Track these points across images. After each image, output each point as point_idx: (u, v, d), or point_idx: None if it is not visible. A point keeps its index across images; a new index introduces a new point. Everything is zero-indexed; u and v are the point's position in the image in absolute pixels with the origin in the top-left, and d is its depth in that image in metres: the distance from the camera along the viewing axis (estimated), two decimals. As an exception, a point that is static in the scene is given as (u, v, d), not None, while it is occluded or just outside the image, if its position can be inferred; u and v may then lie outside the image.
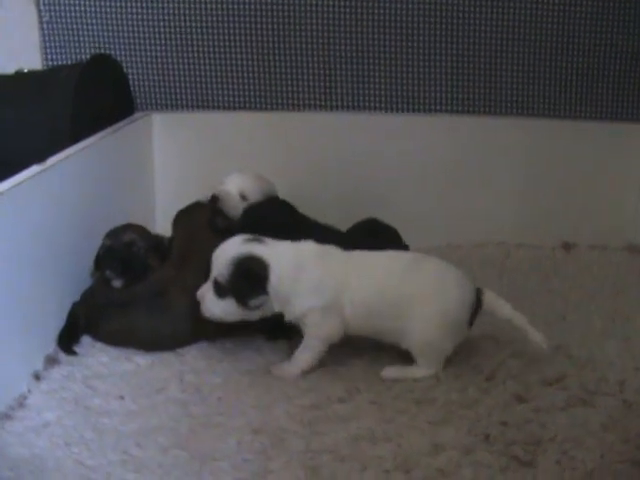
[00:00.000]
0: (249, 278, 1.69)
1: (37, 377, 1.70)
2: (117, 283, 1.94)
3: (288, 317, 1.73)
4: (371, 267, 1.76)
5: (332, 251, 1.77)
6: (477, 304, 1.75)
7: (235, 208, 2.13)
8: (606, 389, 1.65)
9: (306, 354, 1.74)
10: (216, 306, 1.71)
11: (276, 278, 1.68)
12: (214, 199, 2.13)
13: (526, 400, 1.61)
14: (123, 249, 1.96)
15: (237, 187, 2.17)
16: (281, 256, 1.71)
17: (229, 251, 1.71)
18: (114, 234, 2.00)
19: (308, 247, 1.76)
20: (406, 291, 1.72)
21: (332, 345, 1.75)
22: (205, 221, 2.10)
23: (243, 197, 2.15)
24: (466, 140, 2.50)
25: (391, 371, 1.73)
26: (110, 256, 1.95)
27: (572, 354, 1.80)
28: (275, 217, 2.04)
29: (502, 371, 1.71)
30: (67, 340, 1.82)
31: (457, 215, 2.50)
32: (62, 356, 1.78)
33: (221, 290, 1.70)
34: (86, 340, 1.85)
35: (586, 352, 1.81)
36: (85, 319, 1.86)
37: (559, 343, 1.84)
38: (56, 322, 1.83)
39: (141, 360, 1.78)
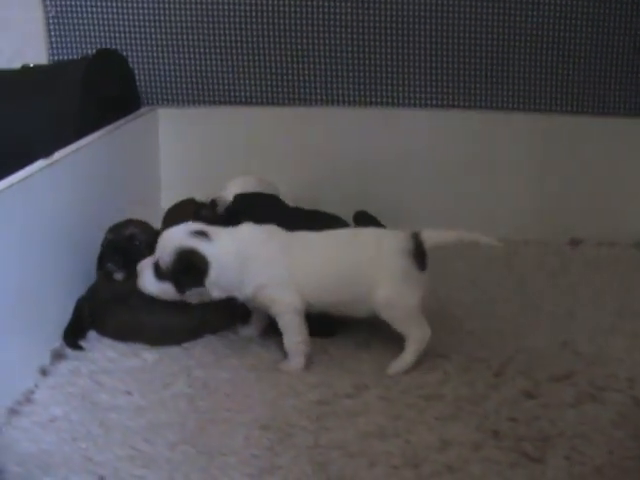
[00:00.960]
0: (189, 271, 1.73)
1: (44, 372, 1.69)
2: (118, 276, 1.94)
3: (242, 299, 1.78)
4: (314, 243, 1.81)
5: (274, 230, 1.82)
6: (419, 247, 1.76)
7: None
8: (615, 385, 1.64)
9: (291, 335, 1.75)
10: (153, 285, 1.78)
11: (216, 273, 1.72)
12: (213, 204, 2.14)
13: (535, 396, 1.60)
14: (124, 242, 1.96)
15: (236, 191, 2.17)
16: (223, 250, 1.75)
17: (174, 240, 1.75)
18: (116, 229, 2.00)
19: (249, 230, 1.81)
20: (350, 261, 1.76)
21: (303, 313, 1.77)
22: (187, 213, 2.07)
23: None
24: (473, 135, 2.50)
25: (395, 366, 1.73)
26: (111, 249, 1.95)
27: (581, 350, 1.80)
28: (263, 206, 2.04)
29: (510, 367, 1.71)
30: (72, 336, 1.82)
31: (463, 211, 2.49)
32: (69, 351, 1.78)
33: (161, 274, 1.76)
34: (93, 335, 1.85)
35: (595, 348, 1.81)
36: (91, 314, 1.86)
37: (567, 339, 1.84)
38: (63, 317, 1.83)
39: (148, 355, 1.77)
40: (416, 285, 1.75)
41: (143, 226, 2.04)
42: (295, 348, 1.75)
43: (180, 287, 1.75)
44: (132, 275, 1.90)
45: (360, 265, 1.76)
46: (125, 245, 1.96)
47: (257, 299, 1.77)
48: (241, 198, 2.13)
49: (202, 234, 1.76)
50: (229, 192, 2.18)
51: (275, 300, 1.75)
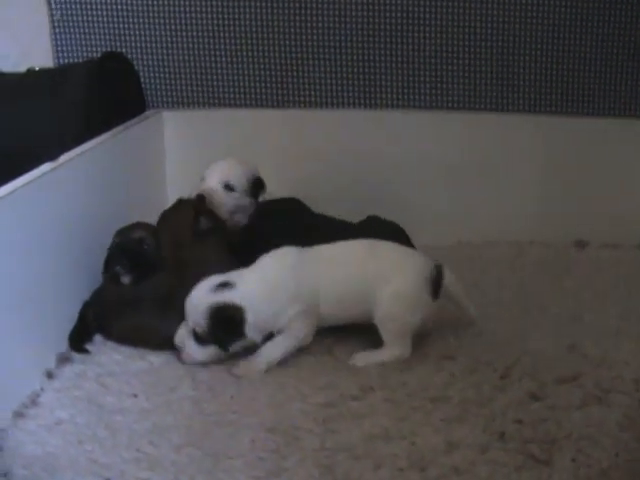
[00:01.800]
0: (228, 327, 1.72)
1: (50, 375, 1.70)
2: (126, 279, 1.94)
3: (277, 332, 1.76)
4: (333, 259, 1.81)
5: (291, 255, 1.80)
6: (438, 277, 1.80)
7: (223, 204, 2.12)
8: (621, 387, 1.63)
9: (277, 350, 1.75)
10: (199, 353, 1.74)
11: (252, 317, 1.71)
12: (200, 199, 2.10)
13: (541, 398, 1.59)
14: (132, 246, 1.96)
15: (219, 180, 2.13)
16: (251, 291, 1.73)
17: (202, 301, 1.72)
18: (123, 232, 2.00)
19: (270, 263, 1.79)
20: (368, 274, 1.78)
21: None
22: (186, 222, 2.05)
23: (228, 188, 2.13)
24: (477, 138, 2.49)
25: (361, 358, 1.77)
26: (119, 253, 1.95)
27: (586, 353, 1.79)
28: (288, 217, 2.03)
29: (516, 369, 1.70)
30: (78, 340, 1.82)
31: (469, 213, 2.49)
32: (74, 354, 1.78)
33: (201, 339, 1.73)
34: (98, 338, 1.85)
35: (601, 351, 1.80)
36: (96, 319, 1.86)
37: (573, 341, 1.83)
38: (69, 320, 1.83)
39: (154, 358, 1.77)
40: (423, 309, 1.79)
41: (151, 229, 2.04)
42: (271, 359, 1.75)
43: (224, 345, 1.72)
44: (139, 279, 1.91)
45: (379, 277, 1.78)
46: (133, 248, 1.96)
47: (290, 326, 1.76)
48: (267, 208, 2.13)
49: (225, 285, 1.73)
50: (210, 180, 2.13)
51: (299, 328, 1.76)
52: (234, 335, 1.72)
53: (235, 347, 1.74)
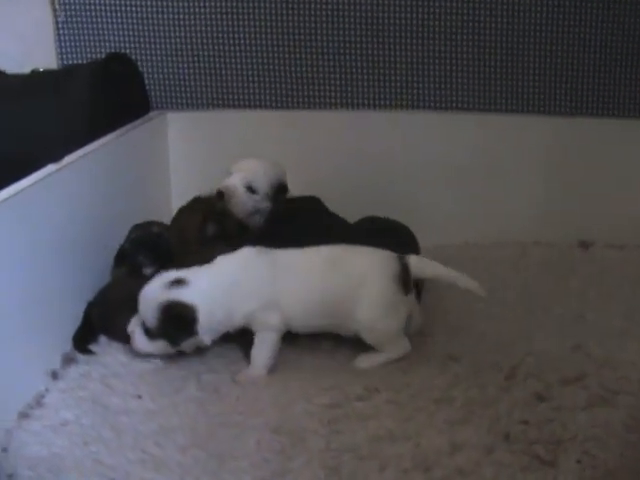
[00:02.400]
0: (178, 324, 1.70)
1: (54, 376, 1.70)
2: (148, 270, 1.93)
3: (233, 329, 1.76)
4: (299, 264, 1.79)
5: (249, 256, 1.78)
6: (405, 272, 1.76)
7: (243, 204, 2.07)
8: (627, 388, 1.62)
9: (263, 350, 1.75)
10: (146, 345, 1.74)
11: (205, 317, 1.69)
12: (219, 195, 2.06)
13: (546, 399, 1.59)
14: (154, 238, 1.97)
15: (243, 180, 2.08)
16: (204, 290, 1.71)
17: (153, 297, 1.70)
18: (141, 227, 2.03)
19: (225, 261, 1.77)
20: (333, 285, 1.76)
21: (293, 335, 1.79)
22: (193, 226, 2.06)
23: (250, 189, 2.08)
24: (482, 138, 2.49)
25: (364, 360, 1.77)
26: (142, 244, 1.96)
27: (591, 353, 1.78)
28: (308, 216, 2.02)
29: (521, 370, 1.69)
30: (82, 341, 1.82)
31: (474, 213, 2.49)
32: (79, 355, 1.79)
33: (151, 334, 1.72)
34: (103, 339, 1.85)
35: (606, 351, 1.79)
36: (100, 319, 1.86)
37: (578, 342, 1.83)
38: (73, 321, 1.83)
39: (159, 359, 1.77)
40: (400, 309, 1.77)
41: (164, 227, 2.07)
42: (262, 361, 1.74)
43: (173, 342, 1.72)
44: (159, 271, 1.91)
45: (344, 289, 1.76)
46: (155, 240, 1.96)
47: (247, 324, 1.76)
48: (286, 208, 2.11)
49: (179, 282, 1.71)
50: (234, 178, 2.08)
51: (263, 322, 1.75)
52: (185, 333, 1.70)
53: (186, 345, 1.73)
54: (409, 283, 1.78)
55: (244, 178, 2.08)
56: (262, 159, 2.14)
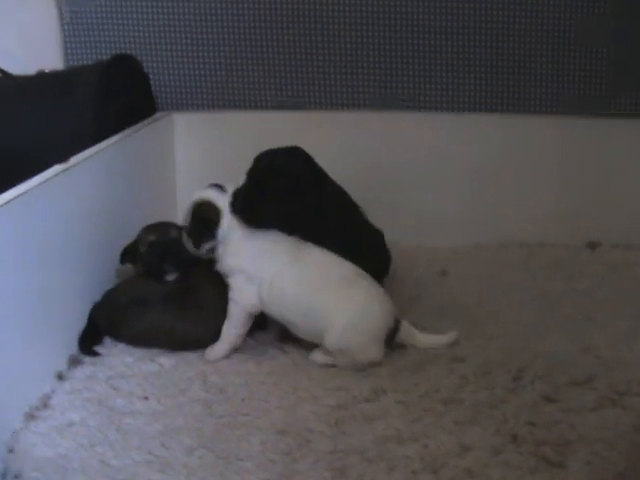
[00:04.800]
0: (202, 223, 1.81)
1: (61, 377, 1.70)
2: (171, 277, 1.93)
3: (219, 267, 1.83)
4: (304, 267, 1.80)
5: (283, 239, 1.82)
6: (393, 330, 1.77)
7: None
8: (636, 390, 1.61)
9: (230, 327, 1.80)
10: (188, 243, 1.85)
11: (227, 225, 1.79)
12: None
13: (555, 400, 1.58)
14: (175, 243, 1.94)
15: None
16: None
17: (194, 195, 1.85)
18: (158, 230, 1.99)
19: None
20: (321, 304, 1.76)
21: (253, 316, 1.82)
22: None
23: None
24: (491, 140, 2.48)
25: (319, 356, 1.78)
26: (164, 250, 1.94)
27: (600, 354, 1.77)
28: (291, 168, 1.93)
29: (529, 371, 1.68)
30: (88, 343, 1.82)
31: (482, 215, 2.48)
32: (85, 356, 1.78)
33: (186, 230, 1.85)
34: (109, 340, 1.85)
35: (614, 352, 1.78)
36: (106, 321, 1.85)
37: (587, 343, 1.82)
38: (80, 322, 1.83)
39: (165, 360, 1.77)
40: (371, 350, 1.75)
41: (179, 228, 2.04)
42: (229, 336, 1.79)
43: (196, 241, 1.81)
44: (181, 276, 1.92)
45: (325, 308, 1.75)
46: (176, 246, 1.94)
47: (229, 279, 1.81)
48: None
49: (218, 187, 1.83)
50: None
51: (239, 289, 1.79)
52: (206, 234, 1.80)
53: (205, 250, 1.82)
54: (392, 340, 1.77)
55: None
56: None
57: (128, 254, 1.98)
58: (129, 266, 2.00)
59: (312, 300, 1.76)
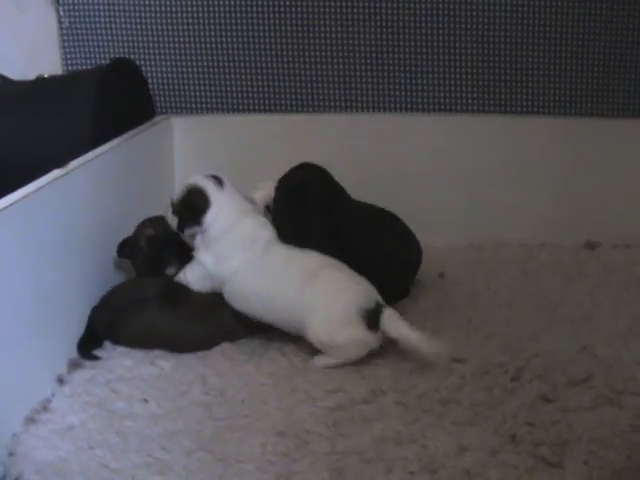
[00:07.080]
0: (189, 207, 1.86)
1: (60, 381, 1.70)
2: (172, 270, 1.95)
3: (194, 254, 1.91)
4: (266, 265, 1.84)
5: (266, 235, 1.89)
6: (375, 312, 1.75)
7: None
8: (633, 389, 1.62)
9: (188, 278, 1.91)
10: (172, 220, 1.91)
11: (213, 217, 1.84)
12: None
13: (552, 400, 1.58)
14: (175, 237, 1.96)
15: (264, 200, 2.08)
16: (227, 201, 1.88)
17: (192, 178, 1.90)
18: (155, 223, 2.01)
19: (253, 216, 1.90)
20: (285, 302, 1.80)
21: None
22: None
23: (269, 210, 2.07)
24: (488, 140, 2.48)
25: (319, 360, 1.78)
26: (164, 243, 1.96)
27: (598, 354, 1.77)
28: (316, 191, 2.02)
29: (528, 371, 1.69)
30: (87, 347, 1.83)
31: (480, 215, 2.48)
32: (85, 360, 1.79)
33: (173, 208, 1.91)
34: (108, 344, 1.86)
35: (612, 352, 1.78)
36: (105, 324, 1.86)
37: (585, 343, 1.82)
38: (80, 326, 1.84)
39: (164, 363, 1.78)
40: (363, 343, 1.76)
41: None
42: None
43: (180, 223, 1.87)
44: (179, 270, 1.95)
45: (299, 300, 1.78)
46: (177, 240, 1.96)
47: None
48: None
49: (217, 180, 1.89)
50: (257, 195, 2.07)
51: (191, 276, 1.90)
52: (191, 219, 1.86)
53: (187, 234, 1.88)
54: (377, 323, 1.75)
55: (265, 198, 2.11)
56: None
57: (126, 247, 1.99)
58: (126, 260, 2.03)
59: (273, 298, 1.79)
